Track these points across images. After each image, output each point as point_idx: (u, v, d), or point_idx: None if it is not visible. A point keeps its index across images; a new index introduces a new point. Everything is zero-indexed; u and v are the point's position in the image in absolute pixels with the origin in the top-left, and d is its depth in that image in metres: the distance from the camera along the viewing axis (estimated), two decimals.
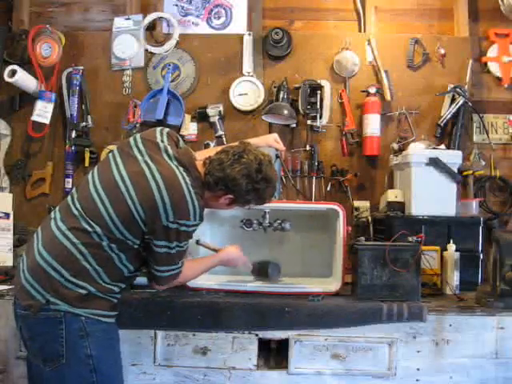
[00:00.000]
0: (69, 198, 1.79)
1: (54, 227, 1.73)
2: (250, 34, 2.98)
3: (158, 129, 1.87)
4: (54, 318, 1.65)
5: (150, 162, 1.73)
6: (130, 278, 1.84)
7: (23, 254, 1.79)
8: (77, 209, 1.73)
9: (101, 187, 1.73)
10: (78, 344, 1.66)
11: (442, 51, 2.92)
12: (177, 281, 1.90)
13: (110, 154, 1.82)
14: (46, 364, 1.67)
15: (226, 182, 1.78)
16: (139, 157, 1.75)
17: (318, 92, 2.85)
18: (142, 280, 2.40)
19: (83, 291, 1.68)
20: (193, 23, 3.05)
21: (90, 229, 1.69)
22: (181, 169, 1.75)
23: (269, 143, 2.35)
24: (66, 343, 1.65)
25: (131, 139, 1.82)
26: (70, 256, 1.68)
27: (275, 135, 2.36)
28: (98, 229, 1.68)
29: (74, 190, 1.81)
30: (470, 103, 2.83)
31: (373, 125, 2.84)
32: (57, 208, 1.81)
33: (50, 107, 2.89)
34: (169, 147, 1.79)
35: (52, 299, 1.66)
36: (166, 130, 1.88)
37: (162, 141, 1.81)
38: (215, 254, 2.21)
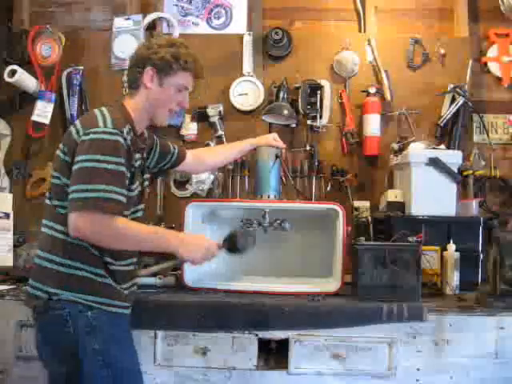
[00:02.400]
0: None
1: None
2: (250, 34, 2.98)
3: None
4: (60, 317, 1.64)
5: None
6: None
7: None
8: (46, 197, 1.79)
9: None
10: (86, 340, 1.65)
11: (442, 51, 2.92)
12: (101, 222, 1.59)
13: None
14: (61, 365, 1.66)
15: (139, 60, 1.80)
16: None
17: (318, 92, 2.85)
18: (142, 280, 2.41)
19: (80, 272, 1.66)
20: (193, 23, 3.06)
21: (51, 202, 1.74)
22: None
23: (269, 142, 2.36)
24: (74, 341, 1.64)
25: None
26: (52, 240, 1.69)
27: (274, 134, 2.37)
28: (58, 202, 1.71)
29: None
30: (470, 103, 2.82)
31: (373, 125, 2.85)
32: None
33: (50, 107, 2.89)
34: None
35: (52, 290, 1.65)
36: None
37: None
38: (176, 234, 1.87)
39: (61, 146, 1.73)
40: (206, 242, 1.87)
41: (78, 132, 1.68)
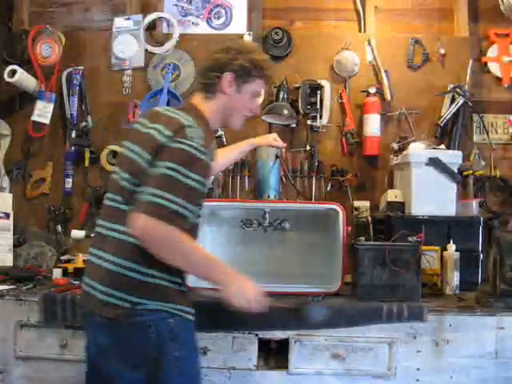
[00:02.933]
0: (104, 201, 1.76)
1: (101, 229, 1.70)
2: (250, 34, 2.98)
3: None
4: (143, 323, 1.60)
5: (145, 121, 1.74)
6: None
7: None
8: (110, 199, 1.70)
9: (118, 169, 1.72)
10: (169, 347, 1.62)
11: (442, 51, 2.92)
12: (167, 232, 1.57)
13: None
14: (134, 371, 1.62)
15: (217, 65, 1.77)
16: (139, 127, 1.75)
17: (318, 92, 2.85)
18: None
19: (162, 281, 1.63)
20: (193, 23, 3.06)
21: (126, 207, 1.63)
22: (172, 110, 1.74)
23: (269, 142, 2.36)
24: (156, 347, 1.60)
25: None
26: (128, 246, 1.61)
27: (274, 134, 2.37)
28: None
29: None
30: (469, 103, 2.83)
31: (373, 125, 2.85)
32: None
33: (50, 107, 2.89)
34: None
35: (137, 300, 1.60)
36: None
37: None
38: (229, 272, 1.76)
39: (139, 150, 1.66)
40: (254, 289, 1.74)
41: (162, 134, 1.63)
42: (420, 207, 2.51)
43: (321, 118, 2.86)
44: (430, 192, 2.52)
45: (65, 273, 2.50)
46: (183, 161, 1.59)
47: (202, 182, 1.64)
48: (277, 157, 2.50)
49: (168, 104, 2.89)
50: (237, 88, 1.79)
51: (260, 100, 1.90)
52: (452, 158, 2.56)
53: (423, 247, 2.19)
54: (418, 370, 2.08)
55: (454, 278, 2.33)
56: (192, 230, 1.70)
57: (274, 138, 2.36)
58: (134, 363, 1.63)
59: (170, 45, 2.99)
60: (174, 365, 1.63)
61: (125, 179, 1.67)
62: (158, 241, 1.57)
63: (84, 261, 2.33)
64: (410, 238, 2.20)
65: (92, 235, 1.81)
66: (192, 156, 1.60)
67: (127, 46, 2.97)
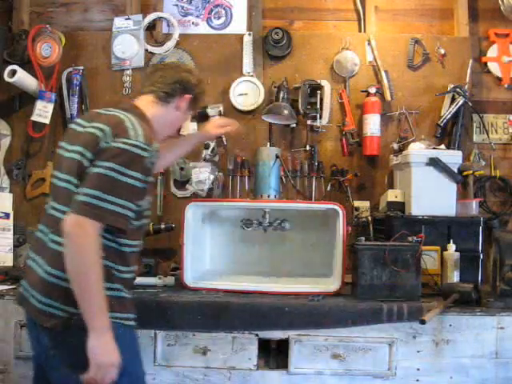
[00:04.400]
0: (45, 206, 1.76)
1: (41, 235, 1.70)
2: (250, 34, 2.98)
3: None
4: (80, 326, 1.57)
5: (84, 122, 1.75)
6: (130, 253, 1.72)
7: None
8: (50, 206, 1.71)
9: (56, 171, 1.73)
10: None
11: (442, 51, 2.91)
12: (90, 230, 1.53)
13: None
14: (74, 372, 1.61)
15: (183, 83, 1.88)
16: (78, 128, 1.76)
17: (318, 92, 2.85)
18: (142, 280, 2.41)
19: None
20: (193, 23, 3.05)
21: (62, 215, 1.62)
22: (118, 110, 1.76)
23: (209, 133, 2.32)
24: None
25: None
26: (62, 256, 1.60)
27: (217, 120, 2.34)
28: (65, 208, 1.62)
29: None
30: (470, 103, 2.82)
31: (373, 125, 2.84)
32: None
33: (50, 107, 2.89)
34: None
35: (74, 310, 1.58)
36: None
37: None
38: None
39: (80, 149, 1.66)
40: (115, 357, 1.58)
41: (103, 133, 1.64)
42: (420, 207, 2.51)
43: (321, 118, 2.85)
44: (429, 192, 2.52)
45: None
46: (122, 160, 1.59)
47: (143, 180, 1.64)
48: (277, 157, 2.51)
49: None
50: (185, 110, 1.93)
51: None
52: (452, 158, 2.56)
53: (423, 247, 2.19)
54: (418, 370, 2.08)
55: (454, 278, 2.33)
56: (137, 231, 1.72)
57: (214, 126, 2.32)
58: (74, 365, 1.62)
59: (170, 45, 2.99)
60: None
61: (66, 181, 1.67)
62: (81, 240, 1.53)
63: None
64: (409, 238, 2.20)
65: (34, 237, 1.77)
66: (133, 155, 1.60)
67: (127, 46, 2.97)
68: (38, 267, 1.67)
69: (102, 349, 1.55)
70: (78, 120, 1.81)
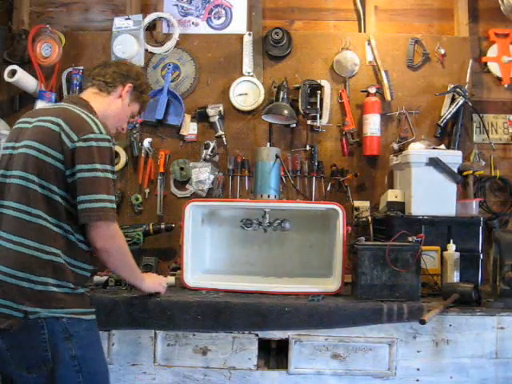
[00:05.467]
0: None
1: None
2: (250, 34, 2.98)
3: None
4: (36, 325, 1.61)
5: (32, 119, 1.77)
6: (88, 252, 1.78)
7: None
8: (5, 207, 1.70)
9: (21, 171, 1.71)
10: (63, 346, 1.63)
11: (442, 51, 2.92)
12: (111, 234, 1.70)
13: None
14: (30, 372, 1.62)
15: (123, 73, 1.95)
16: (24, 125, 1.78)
17: (318, 92, 2.85)
18: None
19: (54, 288, 1.64)
20: (193, 23, 3.05)
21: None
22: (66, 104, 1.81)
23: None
24: (50, 347, 1.62)
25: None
26: (24, 257, 1.62)
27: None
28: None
29: None
30: (470, 103, 2.82)
31: (373, 125, 2.84)
32: None
33: None
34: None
35: (30, 309, 1.60)
36: None
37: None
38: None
39: (34, 144, 1.68)
40: (158, 280, 2.12)
41: (63, 130, 1.67)
42: (420, 207, 2.51)
43: (321, 117, 2.86)
44: (430, 192, 2.52)
45: None
46: (100, 158, 1.67)
47: (114, 172, 1.74)
48: (277, 157, 2.51)
49: (168, 104, 2.90)
50: (129, 100, 1.97)
51: (127, 124, 2.07)
52: (452, 158, 2.56)
53: (423, 247, 2.19)
54: (418, 370, 2.08)
55: (454, 278, 2.33)
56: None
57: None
58: (30, 365, 1.63)
59: (170, 45, 2.99)
60: (70, 363, 1.64)
61: (20, 178, 1.67)
62: (117, 244, 1.74)
63: None
64: (410, 238, 2.20)
65: None
66: (104, 149, 1.69)
67: (127, 46, 2.97)
68: None
69: (151, 282, 2.03)
70: (22, 119, 1.84)
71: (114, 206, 1.70)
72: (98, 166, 1.66)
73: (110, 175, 1.70)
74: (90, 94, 1.91)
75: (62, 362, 1.64)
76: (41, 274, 1.63)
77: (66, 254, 1.68)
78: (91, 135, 1.67)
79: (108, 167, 1.69)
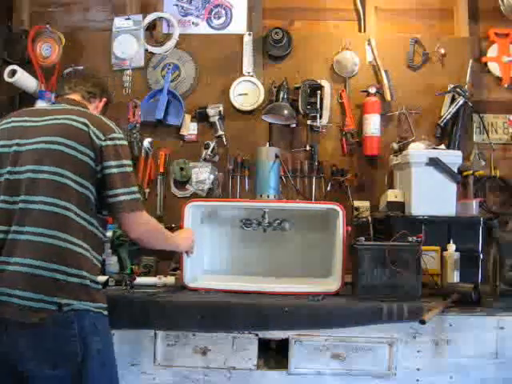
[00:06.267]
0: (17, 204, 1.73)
1: (3, 235, 1.68)
2: (250, 34, 2.98)
3: None
4: (66, 318, 1.61)
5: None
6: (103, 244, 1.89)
7: None
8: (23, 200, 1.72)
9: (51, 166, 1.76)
10: (91, 340, 1.65)
11: (442, 51, 2.91)
12: (146, 220, 1.84)
13: None
14: (57, 368, 1.62)
15: (102, 87, 2.08)
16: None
17: (318, 92, 2.85)
18: (142, 280, 2.41)
19: (86, 282, 1.67)
20: (193, 23, 3.05)
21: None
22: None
23: None
24: (79, 341, 1.63)
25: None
26: (59, 249, 1.65)
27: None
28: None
29: None
30: (470, 103, 2.82)
31: (373, 125, 2.84)
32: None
33: None
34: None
35: (64, 301, 1.61)
36: None
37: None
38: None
39: (74, 144, 1.72)
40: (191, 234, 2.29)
41: (98, 137, 1.76)
42: (420, 207, 2.51)
43: (321, 117, 2.86)
44: (430, 192, 2.51)
45: None
46: (125, 154, 1.81)
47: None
48: (276, 156, 2.51)
49: (168, 104, 2.89)
50: (100, 113, 2.02)
51: None
52: (452, 158, 2.56)
53: (423, 247, 2.19)
54: (418, 370, 2.08)
55: (454, 278, 2.33)
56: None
57: None
58: (57, 360, 1.62)
59: (170, 45, 2.99)
60: (97, 358, 1.67)
61: (65, 177, 1.70)
62: (151, 232, 1.88)
63: None
64: (410, 238, 2.20)
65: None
66: (125, 146, 1.83)
67: (127, 46, 2.97)
68: (12, 266, 1.62)
69: (185, 245, 2.21)
70: (16, 118, 1.83)
71: (140, 196, 1.84)
72: (124, 161, 1.78)
73: (132, 170, 1.84)
74: (78, 99, 1.97)
75: (90, 356, 1.65)
76: (76, 267, 1.66)
77: (94, 250, 1.75)
78: (114, 134, 1.79)
79: (130, 162, 1.83)
